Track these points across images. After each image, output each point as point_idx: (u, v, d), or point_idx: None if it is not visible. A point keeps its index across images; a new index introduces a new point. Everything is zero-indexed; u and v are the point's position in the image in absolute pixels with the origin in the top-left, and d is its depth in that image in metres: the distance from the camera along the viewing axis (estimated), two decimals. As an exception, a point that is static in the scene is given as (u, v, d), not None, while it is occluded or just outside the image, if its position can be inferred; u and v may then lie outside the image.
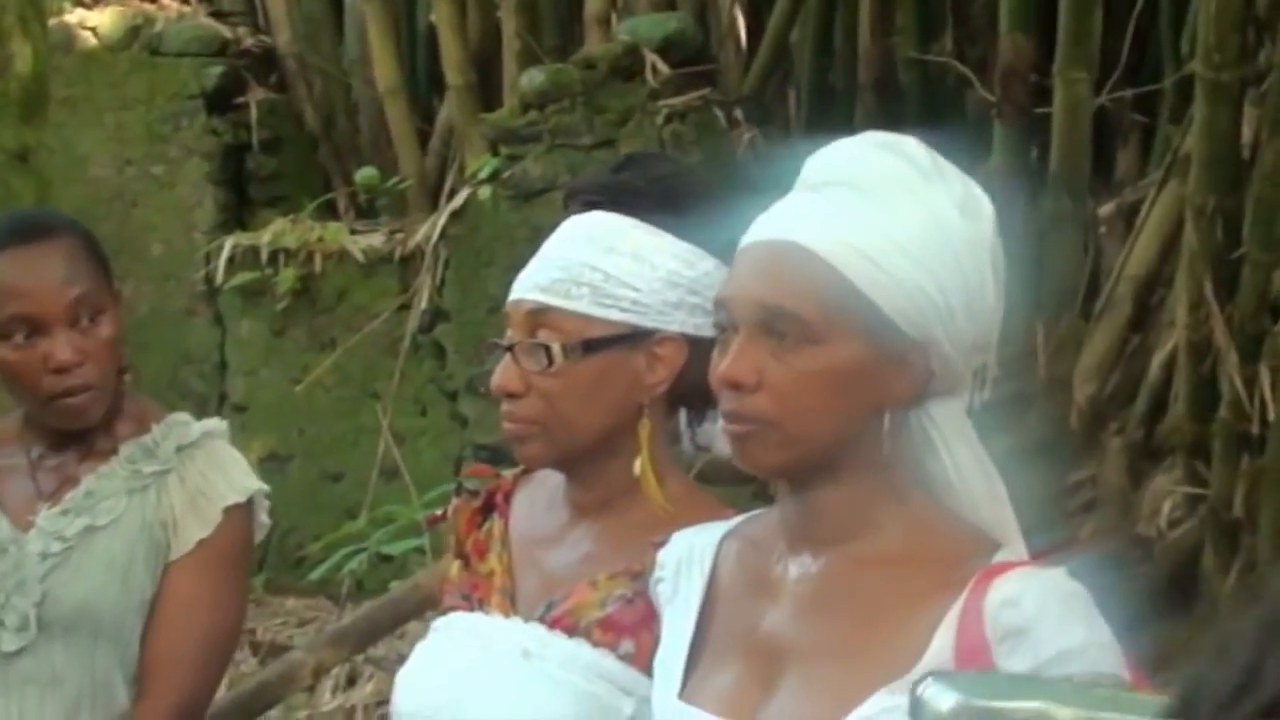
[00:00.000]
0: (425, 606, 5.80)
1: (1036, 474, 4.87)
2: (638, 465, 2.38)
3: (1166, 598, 5.24)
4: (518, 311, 2.44)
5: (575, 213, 2.46)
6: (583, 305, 2.39)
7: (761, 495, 4.62)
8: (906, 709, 1.98)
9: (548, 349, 2.39)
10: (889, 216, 2.05)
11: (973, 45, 6.63)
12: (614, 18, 6.89)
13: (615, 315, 2.39)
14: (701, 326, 2.35)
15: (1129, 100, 6.25)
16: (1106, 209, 5.99)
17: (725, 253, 2.23)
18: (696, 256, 2.40)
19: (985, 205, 2.10)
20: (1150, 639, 4.57)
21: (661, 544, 2.26)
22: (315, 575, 6.31)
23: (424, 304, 6.79)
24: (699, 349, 2.34)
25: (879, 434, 2.06)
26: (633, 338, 2.39)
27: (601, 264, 2.40)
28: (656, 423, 2.41)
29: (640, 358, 2.40)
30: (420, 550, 6.22)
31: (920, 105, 6.54)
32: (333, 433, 6.95)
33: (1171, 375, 5.53)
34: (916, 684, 1.73)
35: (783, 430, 2.04)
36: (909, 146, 2.11)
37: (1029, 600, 1.98)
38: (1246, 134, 5.47)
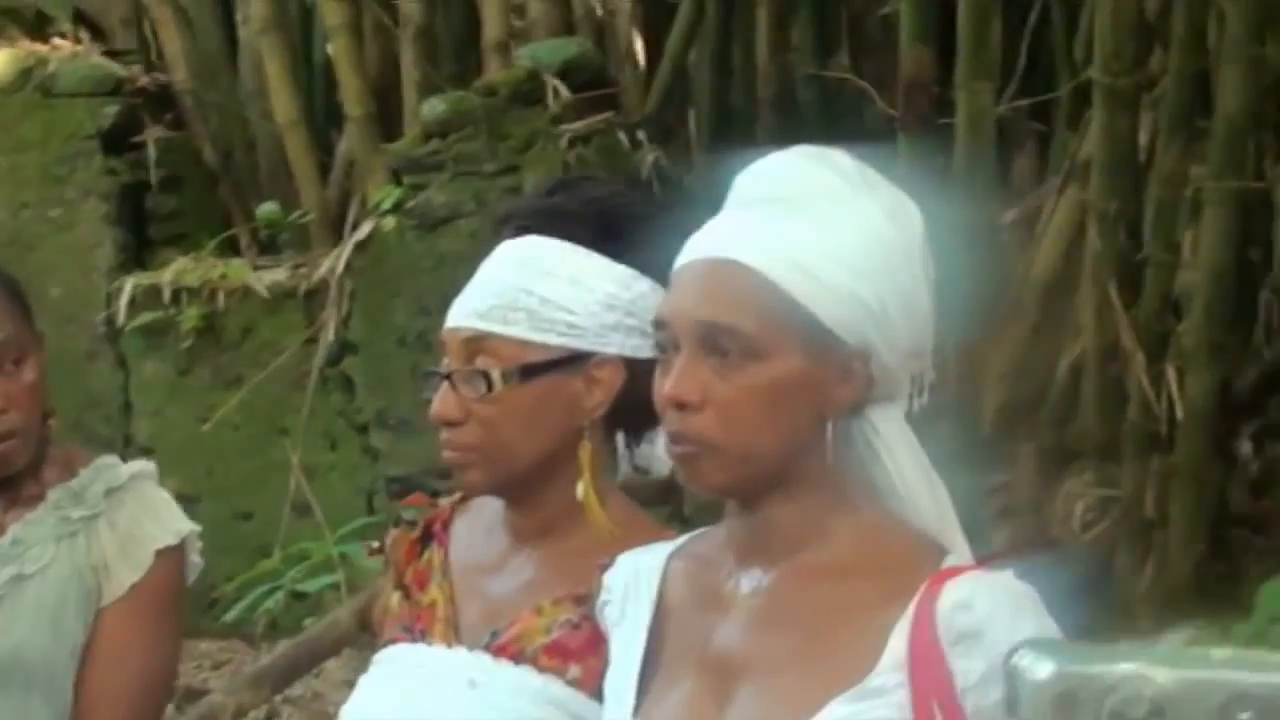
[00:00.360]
0: (343, 643, 5.79)
1: (950, 482, 4.91)
2: (580, 488, 2.38)
3: (1082, 599, 5.29)
4: (454, 339, 2.44)
5: (508, 237, 2.47)
6: (520, 330, 2.40)
7: (677, 516, 4.64)
8: (862, 715, 2.01)
9: (487, 375, 2.39)
10: (822, 229, 2.08)
11: (869, 60, 6.68)
12: (512, 44, 6.88)
13: (553, 339, 2.40)
14: (638, 348, 2.37)
15: (1025, 108, 6.31)
16: (1008, 216, 6.04)
17: (660, 274, 2.25)
18: (632, 278, 2.41)
19: (914, 212, 2.13)
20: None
21: (606, 567, 2.27)
22: (229, 616, 6.26)
23: (331, 337, 6.76)
24: (636, 371, 2.36)
25: (824, 444, 2.08)
26: (571, 361, 2.40)
27: (537, 288, 2.40)
28: (597, 445, 2.42)
29: (578, 381, 2.41)
30: (335, 587, 6.20)
31: (820, 120, 6.59)
32: (242, 471, 6.90)
33: (1079, 379, 5.59)
34: (1009, 654, 1.74)
35: (730, 448, 2.06)
36: (838, 159, 2.14)
37: (981, 603, 2.01)
38: (1143, 138, 5.55)
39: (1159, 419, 5.31)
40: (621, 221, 2.45)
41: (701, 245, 2.11)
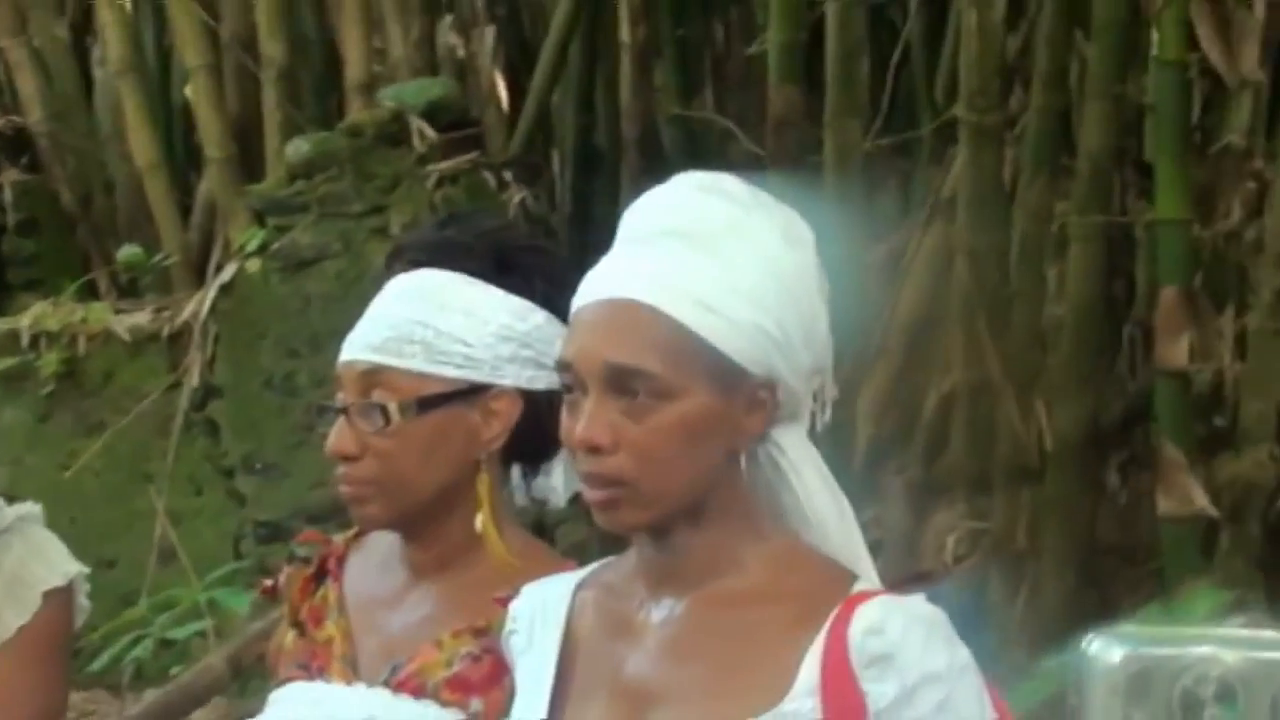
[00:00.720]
0: (214, 691, 5.74)
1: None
2: (479, 521, 2.38)
3: (955, 631, 5.33)
4: (350, 372, 2.43)
5: (400, 271, 2.46)
6: (416, 363, 2.39)
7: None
8: None
9: (384, 409, 2.39)
10: (719, 260, 2.08)
11: (733, 99, 6.72)
12: (375, 85, 6.87)
13: (449, 372, 2.39)
14: (534, 379, 2.37)
15: (887, 147, 6.36)
16: (875, 253, 6.08)
17: (554, 305, 2.25)
18: (527, 310, 2.42)
19: (806, 231, 2.13)
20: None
21: (506, 599, 2.26)
22: (95, 666, 6.18)
23: (195, 381, 6.70)
24: (533, 402, 2.36)
25: (737, 475, 2.09)
26: (467, 394, 2.40)
27: (433, 321, 2.40)
28: (494, 478, 2.42)
29: (475, 413, 2.40)
30: (203, 634, 6.15)
31: (685, 160, 6.61)
32: (105, 518, 6.82)
33: (948, 412, 5.64)
34: (1082, 643, 1.75)
35: (645, 487, 2.06)
36: (728, 185, 2.15)
37: (893, 627, 2.02)
38: (1007, 174, 5.62)
39: (1029, 451, 5.37)
40: (513, 254, 2.46)
41: (600, 285, 2.10)
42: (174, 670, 6.02)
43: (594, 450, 2.06)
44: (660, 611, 2.12)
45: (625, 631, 2.13)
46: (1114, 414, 5.45)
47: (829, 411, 2.15)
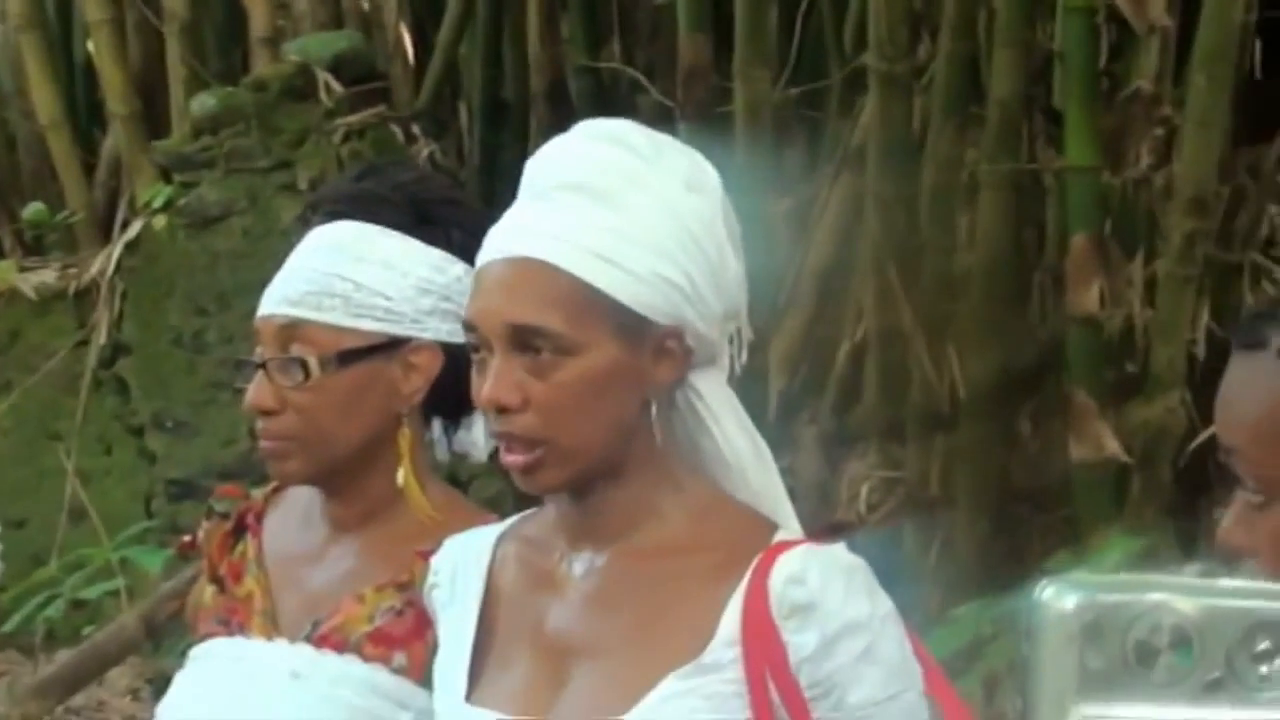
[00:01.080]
0: (128, 651, 5.71)
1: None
2: (400, 475, 2.37)
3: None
4: (268, 326, 2.40)
5: (319, 224, 2.44)
6: (336, 316, 2.38)
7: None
8: (697, 691, 2.02)
9: (304, 363, 2.37)
10: (618, 212, 2.07)
11: (641, 50, 6.70)
12: (280, 39, 6.83)
13: (369, 325, 2.38)
14: (455, 333, 2.35)
15: (796, 97, 6.36)
16: (784, 203, 6.08)
17: (472, 257, 2.24)
18: (446, 262, 2.40)
19: (711, 176, 2.11)
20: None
21: (428, 553, 2.25)
22: (7, 627, 6.16)
23: (103, 339, 6.67)
24: (453, 356, 2.35)
25: (650, 425, 2.08)
26: (388, 347, 2.39)
27: (352, 274, 2.38)
28: (415, 431, 2.41)
29: (396, 367, 2.39)
30: (116, 594, 6.12)
31: (593, 112, 6.52)
32: (14, 477, 6.79)
33: (861, 362, 5.65)
34: (1035, 589, 1.76)
35: (559, 445, 2.05)
36: (627, 133, 2.13)
37: (813, 576, 2.02)
38: (917, 123, 5.62)
39: (941, 399, 5.38)
40: (432, 206, 2.44)
41: (500, 243, 2.09)
42: (87, 630, 6.00)
43: (503, 410, 2.05)
44: (581, 564, 2.11)
45: (546, 585, 2.13)
46: (1026, 361, 5.47)
47: (745, 355, 2.14)
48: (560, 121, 6.48)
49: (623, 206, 2.07)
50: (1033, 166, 5.47)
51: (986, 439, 5.37)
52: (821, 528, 5.52)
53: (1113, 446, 5.08)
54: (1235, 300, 5.21)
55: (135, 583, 6.01)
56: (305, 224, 2.47)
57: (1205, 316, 5.13)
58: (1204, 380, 4.95)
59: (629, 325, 2.05)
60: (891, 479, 5.53)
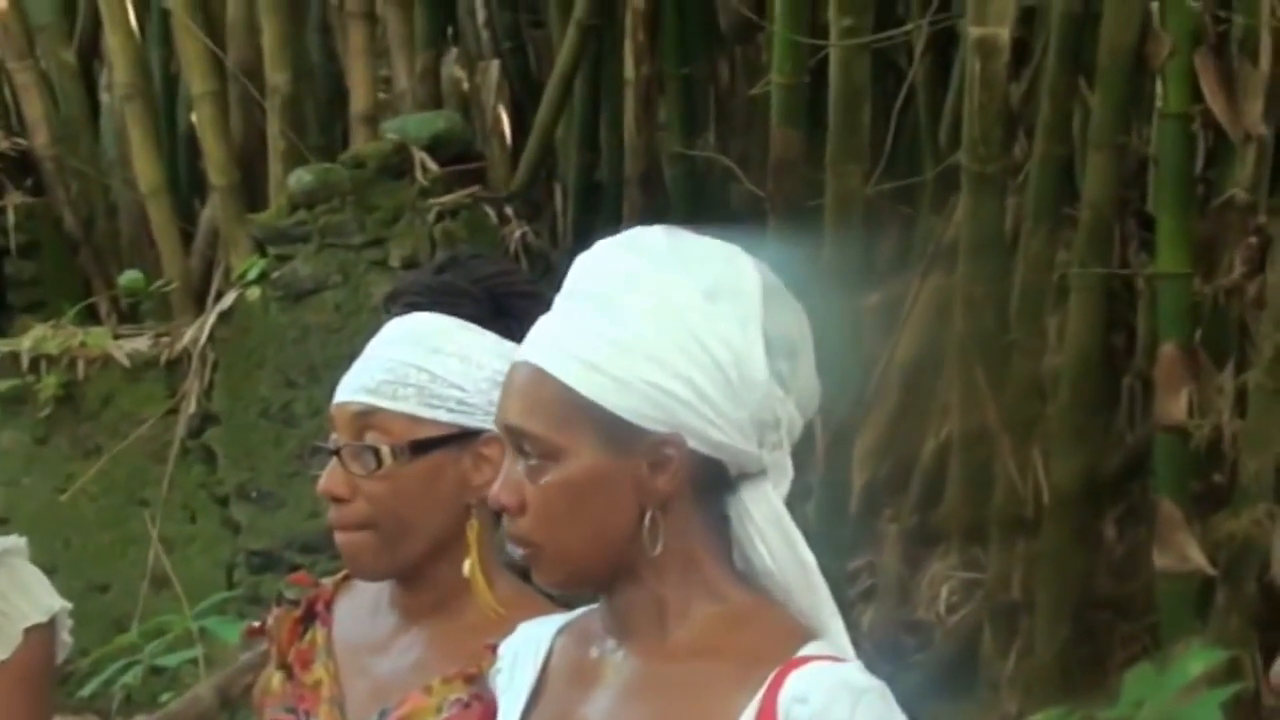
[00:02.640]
0: (204, 719, 5.71)
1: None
2: (467, 566, 2.36)
3: (947, 682, 5.30)
4: (343, 413, 2.40)
5: (397, 314, 2.45)
6: (410, 406, 2.38)
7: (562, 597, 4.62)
8: None
9: (376, 451, 2.37)
10: (611, 317, 2.05)
11: (735, 139, 6.71)
12: (379, 116, 6.87)
13: (443, 416, 2.38)
14: (528, 426, 2.34)
15: (889, 192, 6.34)
16: (873, 299, 6.06)
17: None
18: None
19: (749, 282, 2.07)
20: (934, 724, 4.64)
21: (495, 645, 2.25)
22: (85, 691, 6.16)
23: (192, 408, 6.70)
24: (527, 449, 2.33)
25: (674, 530, 2.06)
26: (460, 438, 2.38)
27: (428, 364, 2.39)
28: (484, 524, 2.39)
29: (467, 458, 2.39)
30: (194, 662, 6.12)
31: (686, 199, 6.60)
32: (99, 542, 6.82)
33: (945, 461, 5.61)
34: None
35: (546, 548, 2.06)
36: (647, 239, 2.11)
37: (817, 696, 1.99)
38: (1009, 223, 5.60)
39: (1025, 502, 5.34)
40: (511, 300, 2.45)
41: (522, 346, 2.11)
42: (163, 697, 6.00)
43: (505, 510, 2.07)
44: (614, 660, 2.10)
45: (583, 677, 2.12)
46: (1111, 466, 5.43)
47: (822, 463, 2.12)
48: (653, 206, 6.54)
49: (615, 312, 2.05)
50: (1124, 271, 5.44)
51: (1069, 544, 5.32)
52: (897, 625, 5.48)
53: (1197, 558, 5.01)
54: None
55: (213, 652, 6.01)
56: (386, 312, 2.47)
57: (1295, 429, 5.07)
58: (1292, 494, 4.90)
59: (616, 432, 2.03)
60: (972, 580, 5.49)
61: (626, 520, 2.04)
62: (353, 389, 2.41)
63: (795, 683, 2.00)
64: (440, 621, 2.41)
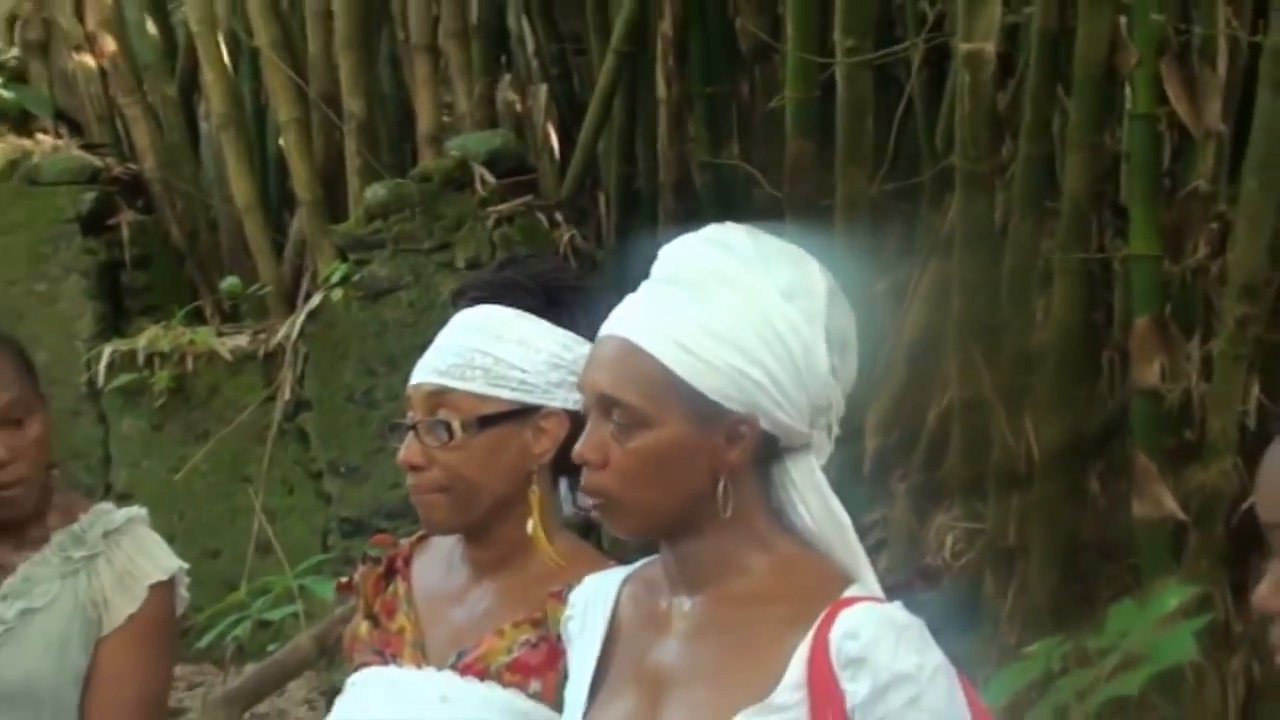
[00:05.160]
0: (304, 666, 5.73)
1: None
2: (530, 525, 2.36)
3: (953, 619, 5.28)
4: (419, 393, 2.42)
5: (464, 307, 2.46)
6: (477, 385, 2.39)
7: (596, 548, 4.62)
8: None
9: (448, 425, 2.38)
10: (706, 307, 2.05)
11: (757, 148, 6.69)
12: (443, 136, 6.88)
13: (506, 394, 2.39)
14: (580, 402, 2.34)
15: (893, 191, 6.32)
16: (881, 285, 6.04)
17: (595, 337, 2.23)
18: (573, 341, 2.41)
19: (818, 284, 2.10)
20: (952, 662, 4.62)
21: (558, 593, 2.26)
22: (201, 644, 6.19)
23: (287, 395, 6.72)
24: (579, 422, 2.33)
25: (740, 492, 2.07)
26: (521, 413, 2.39)
27: (492, 349, 2.40)
28: (544, 488, 2.40)
29: (528, 431, 2.40)
30: (295, 616, 6.14)
31: (714, 203, 6.58)
32: (210, 514, 6.85)
33: (947, 426, 5.59)
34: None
35: (625, 502, 2.06)
36: (736, 238, 2.12)
37: (866, 632, 2.01)
38: (998, 216, 5.57)
39: (1018, 460, 5.31)
40: (562, 292, 2.45)
41: (611, 322, 2.11)
42: (270, 647, 6.03)
43: (588, 464, 2.07)
44: (678, 606, 2.12)
45: (653, 623, 2.13)
46: (1094, 427, 5.40)
47: (832, 444, 2.13)
48: (686, 211, 6.53)
49: (712, 303, 2.06)
50: (1101, 255, 5.41)
51: (1058, 496, 5.30)
52: (911, 572, 5.46)
53: (1171, 505, 4.99)
54: (1283, 376, 5.13)
55: (312, 607, 6.03)
56: (454, 306, 2.48)
57: (1255, 391, 5.04)
58: (1254, 447, 4.86)
59: (702, 409, 2.04)
60: (974, 530, 5.46)
61: (700, 484, 2.05)
62: (427, 372, 2.42)
63: (845, 620, 2.01)
64: (507, 574, 2.42)
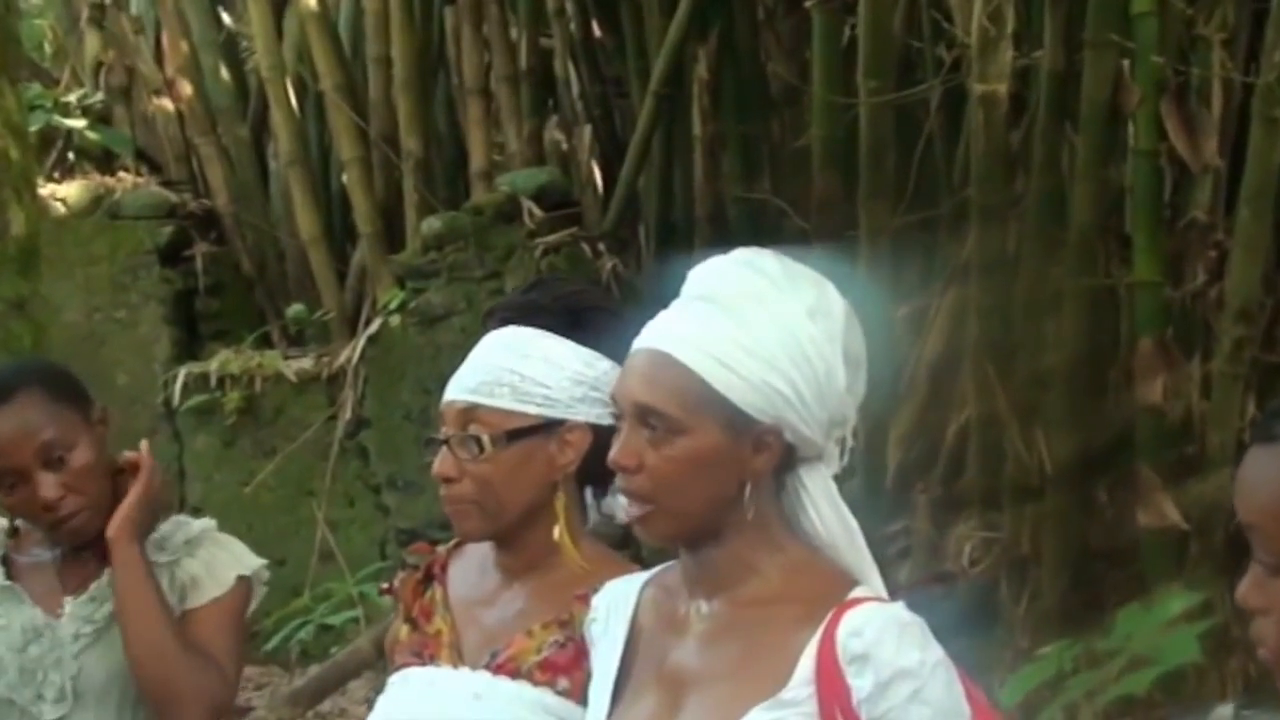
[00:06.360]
0: (364, 667, 5.73)
1: (859, 528, 4.88)
2: (557, 532, 2.35)
3: (971, 623, 5.25)
4: (450, 410, 2.41)
5: (493, 328, 2.44)
6: (505, 402, 2.37)
7: (636, 558, 4.61)
8: None
9: (478, 439, 2.37)
10: (741, 325, 2.05)
11: (786, 184, 6.68)
12: (494, 173, 6.89)
13: (532, 409, 2.37)
14: (603, 416, 2.34)
15: (914, 222, 6.30)
16: (902, 310, 6.02)
17: (618, 356, 2.22)
18: (596, 358, 2.39)
19: (836, 306, 2.09)
20: (959, 658, 4.59)
21: (584, 596, 2.25)
22: (268, 646, 6.22)
23: (348, 414, 6.74)
24: (601, 435, 2.33)
25: (757, 499, 2.06)
26: (547, 427, 2.38)
27: (518, 367, 2.38)
28: (569, 496, 2.39)
29: (553, 444, 2.38)
30: (356, 620, 6.15)
31: (746, 234, 6.56)
32: (276, 525, 6.86)
33: (965, 441, 5.57)
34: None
35: (663, 506, 2.05)
36: (765, 261, 2.11)
37: (870, 630, 1.99)
38: (1012, 245, 5.55)
39: (1031, 473, 5.29)
40: (586, 313, 2.44)
41: (646, 336, 2.09)
42: (332, 650, 6.04)
43: (623, 469, 2.05)
44: (696, 609, 2.10)
45: (672, 626, 2.11)
46: (1102, 443, 5.36)
47: (847, 456, 2.11)
48: (720, 241, 6.50)
49: (745, 320, 2.05)
50: (1108, 282, 5.39)
51: (1069, 507, 5.27)
52: (929, 577, 5.43)
53: (1174, 516, 4.96)
54: (1278, 394, 5.08)
55: (371, 612, 6.05)
56: (484, 327, 2.47)
57: (1252, 407, 5.02)
58: (1251, 461, 4.82)
59: (734, 419, 2.03)
60: (990, 539, 5.44)
61: (727, 489, 2.04)
62: (457, 389, 2.41)
63: (851, 619, 2.00)
64: (536, 578, 2.41)
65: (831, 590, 2.04)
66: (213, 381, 6.92)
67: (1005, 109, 5.36)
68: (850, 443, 2.12)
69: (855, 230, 5.64)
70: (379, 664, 5.87)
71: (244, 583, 2.88)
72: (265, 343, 7.17)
